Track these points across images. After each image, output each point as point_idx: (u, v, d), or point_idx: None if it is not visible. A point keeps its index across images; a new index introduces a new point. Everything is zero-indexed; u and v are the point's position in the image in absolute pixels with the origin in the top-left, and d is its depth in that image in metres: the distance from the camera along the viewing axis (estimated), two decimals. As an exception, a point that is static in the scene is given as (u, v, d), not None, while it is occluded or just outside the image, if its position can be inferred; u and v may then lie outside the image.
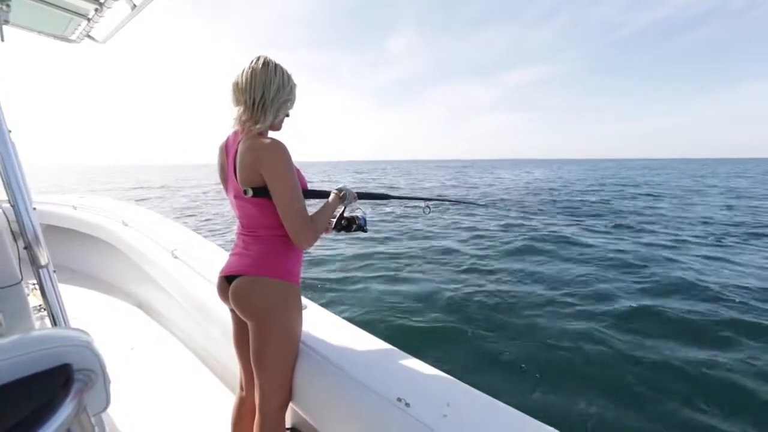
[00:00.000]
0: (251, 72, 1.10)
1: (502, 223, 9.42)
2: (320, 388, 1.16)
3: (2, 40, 1.35)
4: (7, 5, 1.35)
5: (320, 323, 1.42)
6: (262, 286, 1.15)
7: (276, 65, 1.12)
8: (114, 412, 1.71)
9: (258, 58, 1.12)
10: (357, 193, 1.37)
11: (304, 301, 1.61)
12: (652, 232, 8.67)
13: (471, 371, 3.05)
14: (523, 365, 3.10)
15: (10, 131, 1.08)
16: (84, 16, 1.70)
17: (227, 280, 1.22)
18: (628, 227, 9.27)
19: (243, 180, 1.12)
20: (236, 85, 1.12)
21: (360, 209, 1.42)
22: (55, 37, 1.97)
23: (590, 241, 7.49)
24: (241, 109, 1.12)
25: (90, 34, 1.91)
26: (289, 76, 1.16)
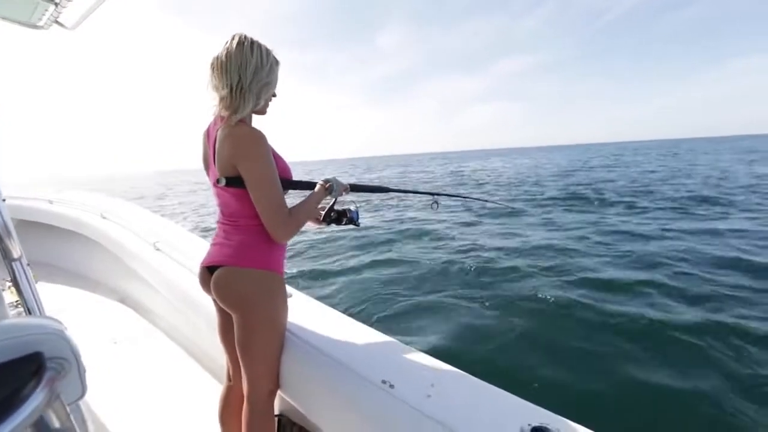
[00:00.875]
0: (225, 54, 1.05)
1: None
2: (307, 374, 1.17)
3: None
4: None
5: (305, 311, 1.43)
6: (244, 276, 1.13)
7: (252, 43, 1.06)
8: (98, 405, 1.70)
9: (232, 38, 1.06)
10: (350, 184, 1.34)
11: (289, 289, 1.61)
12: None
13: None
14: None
15: None
16: (50, 0, 1.62)
17: (209, 270, 1.20)
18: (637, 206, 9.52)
19: (220, 168, 1.10)
20: (211, 69, 1.07)
21: (353, 203, 1.38)
22: (22, 23, 1.88)
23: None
24: (218, 96, 1.08)
25: (58, 19, 1.83)
26: (267, 53, 1.09)
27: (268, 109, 1.19)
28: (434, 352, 1.18)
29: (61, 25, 1.87)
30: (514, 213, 8.84)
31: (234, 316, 1.18)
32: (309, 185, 1.29)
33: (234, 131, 1.07)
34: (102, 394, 1.79)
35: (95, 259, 3.14)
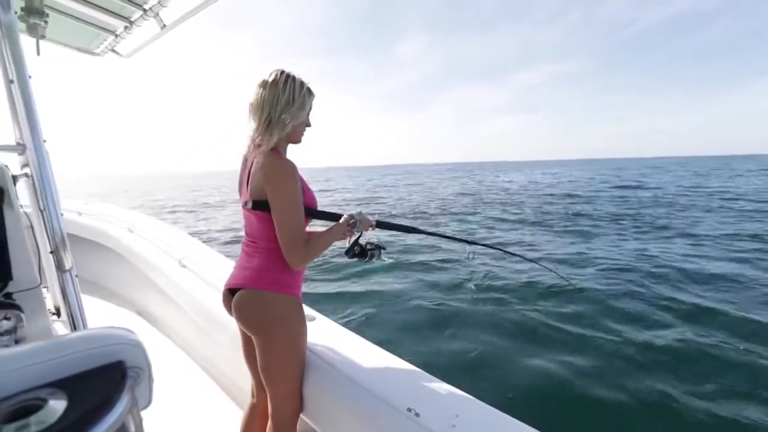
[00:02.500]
0: (260, 90, 1.13)
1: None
2: (330, 398, 1.18)
3: (38, 53, 1.42)
4: (45, 21, 1.43)
5: (329, 335, 1.46)
6: (260, 299, 1.17)
7: (287, 79, 1.13)
8: None
9: (269, 75, 1.14)
10: (376, 221, 1.35)
11: (312, 313, 1.64)
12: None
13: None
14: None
15: (45, 141, 1.14)
16: (112, 32, 1.78)
17: (230, 292, 1.25)
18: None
19: (251, 192, 1.17)
20: (250, 105, 1.16)
21: (375, 238, 1.36)
22: (81, 50, 2.05)
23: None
24: (253, 128, 1.17)
25: (115, 48, 1.99)
26: (300, 86, 1.15)
27: (303, 138, 1.25)
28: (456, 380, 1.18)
29: (117, 53, 2.04)
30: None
31: (254, 339, 1.22)
32: (334, 217, 1.33)
33: (267, 160, 1.12)
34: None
35: (117, 272, 3.21)
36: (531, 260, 1.90)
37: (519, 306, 4.53)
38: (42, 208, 1.11)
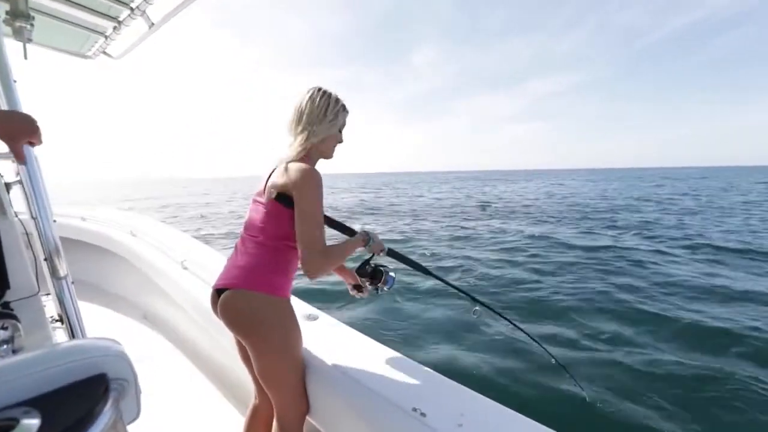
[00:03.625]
0: (299, 105, 1.20)
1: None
2: (334, 398, 1.16)
3: (25, 58, 1.40)
4: (31, 24, 1.40)
5: (332, 334, 1.43)
6: (246, 300, 1.14)
7: (324, 94, 1.19)
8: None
9: (308, 92, 1.20)
10: (388, 248, 1.32)
11: (315, 311, 1.62)
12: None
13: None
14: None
15: (32, 146, 1.11)
16: (102, 33, 1.75)
17: (218, 293, 1.21)
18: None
19: (276, 186, 1.17)
20: (289, 118, 1.23)
21: (386, 266, 1.32)
22: (72, 53, 2.03)
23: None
24: (292, 139, 1.22)
25: (106, 50, 1.96)
26: (336, 102, 1.21)
27: (334, 154, 1.29)
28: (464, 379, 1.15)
29: (108, 55, 2.01)
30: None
31: (244, 342, 1.18)
32: (347, 230, 1.33)
33: (298, 165, 1.15)
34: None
35: (122, 276, 3.22)
36: (534, 339, 1.53)
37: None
38: (33, 216, 1.09)
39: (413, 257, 1.37)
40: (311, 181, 1.12)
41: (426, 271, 1.39)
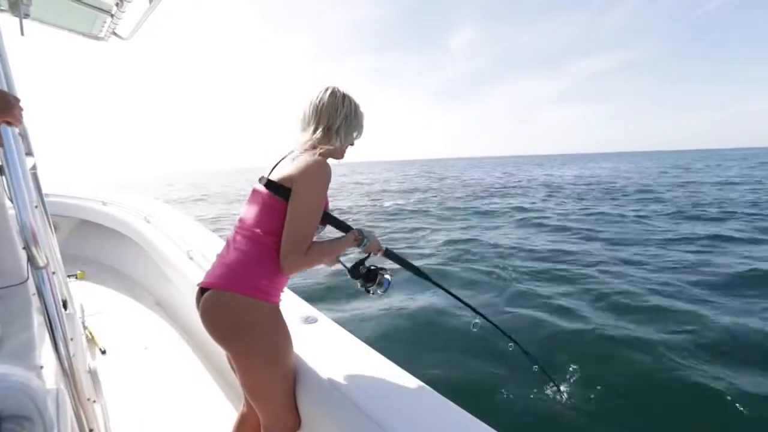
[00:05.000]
0: (319, 100, 1.12)
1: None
2: (326, 420, 1.04)
3: (22, 33, 1.33)
4: None
5: (330, 341, 1.31)
6: (230, 303, 1.03)
7: (344, 95, 1.14)
8: (116, 410, 1.67)
9: (326, 89, 1.13)
10: (386, 248, 1.24)
11: (314, 313, 1.50)
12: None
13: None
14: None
15: (10, 123, 1.03)
16: (108, 12, 1.69)
17: (203, 291, 1.09)
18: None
19: (275, 175, 1.10)
20: (304, 113, 1.14)
21: (387, 270, 1.22)
22: (84, 34, 1.99)
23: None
24: (308, 135, 1.12)
25: (115, 31, 1.91)
26: (357, 106, 1.16)
27: (345, 155, 1.21)
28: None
29: (118, 36, 1.95)
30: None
31: (226, 351, 1.08)
32: (344, 227, 1.21)
33: (311, 157, 1.07)
34: (124, 401, 1.77)
35: (137, 262, 3.24)
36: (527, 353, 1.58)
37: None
38: (10, 199, 1.02)
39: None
40: (319, 174, 1.04)
41: (426, 277, 1.33)
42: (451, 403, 1.01)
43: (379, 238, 1.20)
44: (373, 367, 1.17)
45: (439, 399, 1.03)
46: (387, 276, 1.19)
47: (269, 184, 1.08)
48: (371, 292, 1.20)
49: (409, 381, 1.11)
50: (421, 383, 1.10)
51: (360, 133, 1.19)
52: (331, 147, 1.12)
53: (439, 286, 1.36)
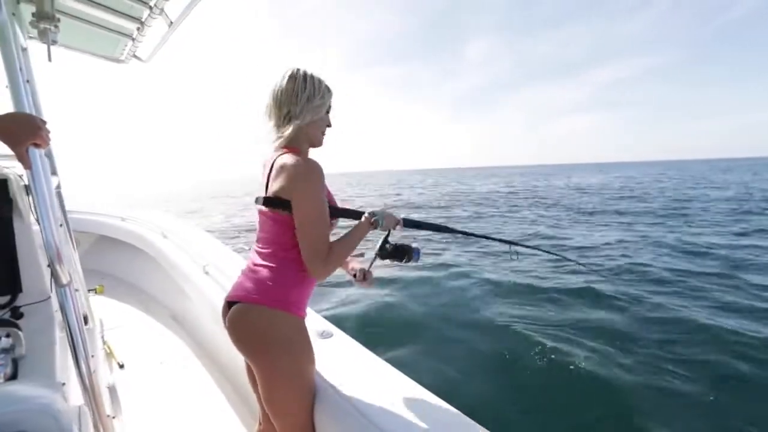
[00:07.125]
0: (278, 88, 1.08)
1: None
2: None
3: (49, 59, 1.39)
4: (56, 26, 1.39)
5: (347, 357, 1.30)
6: (257, 316, 1.03)
7: (305, 75, 1.08)
8: (133, 426, 1.68)
9: (286, 72, 1.09)
10: (402, 218, 1.20)
11: (330, 327, 1.49)
12: None
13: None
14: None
15: (38, 145, 1.06)
16: (129, 36, 1.75)
17: (230, 306, 1.10)
18: None
19: (271, 190, 1.07)
20: (267, 104, 1.11)
21: (415, 240, 1.23)
22: (106, 58, 2.07)
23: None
24: (273, 125, 1.10)
25: (136, 53, 1.98)
26: (319, 83, 1.10)
27: (323, 140, 1.17)
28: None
29: (138, 58, 2.02)
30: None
31: (251, 363, 1.08)
32: (355, 214, 1.18)
33: (290, 158, 1.04)
34: (140, 416, 1.78)
35: (153, 277, 3.28)
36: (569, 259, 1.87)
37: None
38: (36, 219, 1.05)
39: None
40: (310, 176, 1.02)
41: (450, 230, 1.30)
42: (479, 426, 0.98)
43: (389, 211, 1.18)
44: (393, 386, 1.14)
45: (464, 420, 1.00)
46: (415, 245, 1.19)
47: (267, 201, 1.08)
48: (406, 263, 1.20)
49: (430, 399, 1.08)
50: (444, 402, 1.07)
51: (326, 110, 1.13)
52: (303, 138, 1.10)
53: (465, 233, 1.32)
